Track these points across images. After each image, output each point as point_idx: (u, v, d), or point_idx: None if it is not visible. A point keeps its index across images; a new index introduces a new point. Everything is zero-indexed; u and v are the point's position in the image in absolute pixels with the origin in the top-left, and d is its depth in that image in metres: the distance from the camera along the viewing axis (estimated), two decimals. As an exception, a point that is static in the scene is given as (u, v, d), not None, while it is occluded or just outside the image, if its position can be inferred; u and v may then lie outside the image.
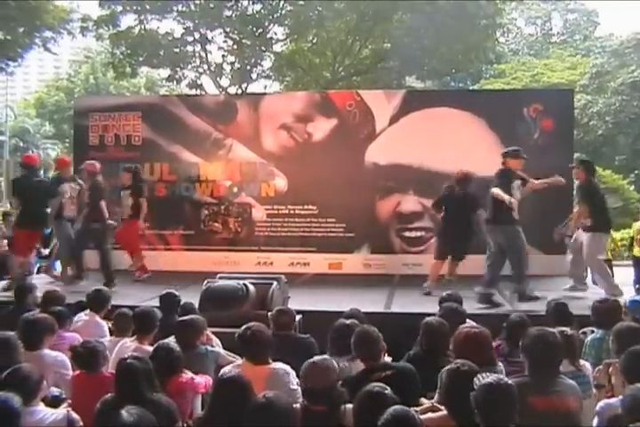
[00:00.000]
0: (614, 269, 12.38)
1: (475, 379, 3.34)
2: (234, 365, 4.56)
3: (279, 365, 4.45)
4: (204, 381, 4.50)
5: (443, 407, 3.72)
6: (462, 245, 8.96)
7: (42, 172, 9.64)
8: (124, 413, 3.17)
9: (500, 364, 4.40)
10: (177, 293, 6.31)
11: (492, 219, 7.94)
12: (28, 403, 3.62)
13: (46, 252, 12.41)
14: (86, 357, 4.38)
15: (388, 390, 3.46)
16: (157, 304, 6.09)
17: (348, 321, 5.02)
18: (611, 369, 4.16)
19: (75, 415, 3.83)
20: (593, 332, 5.24)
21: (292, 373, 4.39)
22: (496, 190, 7.70)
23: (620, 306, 5.51)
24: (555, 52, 40.04)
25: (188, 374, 4.42)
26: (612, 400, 3.82)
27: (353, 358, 4.63)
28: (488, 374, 3.37)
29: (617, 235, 12.97)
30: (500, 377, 3.32)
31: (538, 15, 47.12)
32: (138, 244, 10.18)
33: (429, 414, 3.71)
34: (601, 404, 3.86)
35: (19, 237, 9.51)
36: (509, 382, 3.35)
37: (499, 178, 7.93)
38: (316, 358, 4.02)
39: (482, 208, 8.54)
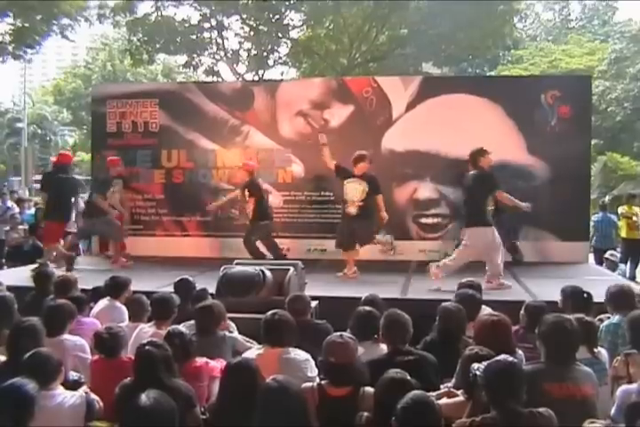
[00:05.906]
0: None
1: (473, 365, 3.38)
2: (252, 351, 4.53)
3: (300, 351, 4.45)
4: (219, 365, 4.49)
5: (459, 393, 3.75)
6: None
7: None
8: (144, 396, 3.20)
9: (520, 352, 4.40)
10: (191, 279, 6.37)
11: None
12: (47, 386, 3.68)
13: None
14: (109, 342, 4.43)
15: (409, 377, 3.48)
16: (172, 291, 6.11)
17: (369, 308, 5.00)
18: (630, 360, 4.16)
19: (93, 396, 3.90)
20: (609, 318, 5.22)
21: (312, 361, 4.38)
22: None
23: (635, 292, 5.49)
24: (573, 38, 39.54)
25: (202, 359, 4.45)
26: (631, 387, 3.81)
27: (374, 342, 4.68)
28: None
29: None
30: (506, 357, 3.34)
31: (556, 0, 46.65)
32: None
33: (446, 400, 3.73)
34: (621, 388, 3.86)
35: (47, 228, 9.83)
36: (516, 361, 3.39)
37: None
38: (337, 333, 4.02)
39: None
